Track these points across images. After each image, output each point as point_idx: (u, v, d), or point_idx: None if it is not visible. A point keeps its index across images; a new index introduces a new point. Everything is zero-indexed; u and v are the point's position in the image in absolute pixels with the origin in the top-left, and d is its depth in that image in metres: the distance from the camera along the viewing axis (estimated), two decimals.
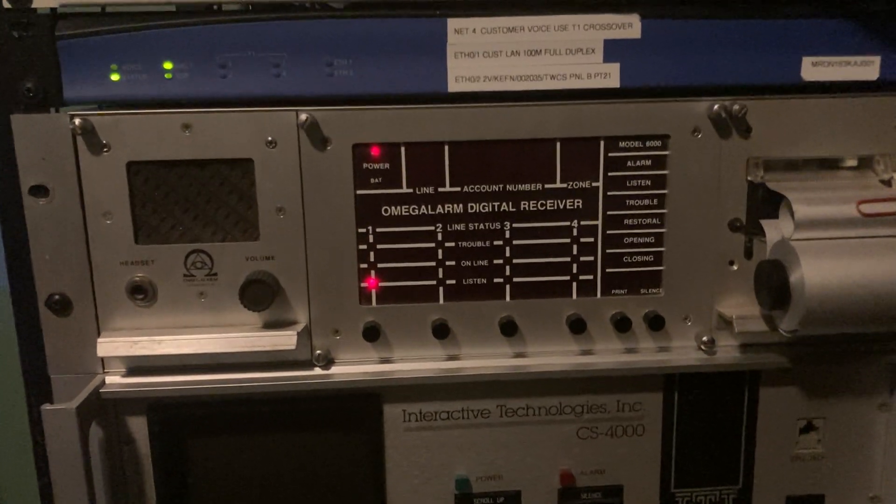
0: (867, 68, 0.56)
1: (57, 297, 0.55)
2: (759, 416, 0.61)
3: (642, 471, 0.61)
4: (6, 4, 0.51)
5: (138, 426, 0.58)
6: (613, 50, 0.54)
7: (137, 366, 0.57)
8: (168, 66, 0.53)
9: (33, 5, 0.51)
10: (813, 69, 0.56)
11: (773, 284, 0.53)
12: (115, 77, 0.53)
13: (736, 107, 0.55)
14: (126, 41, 0.53)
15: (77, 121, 0.52)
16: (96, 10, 0.53)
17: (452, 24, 0.53)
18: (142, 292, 0.55)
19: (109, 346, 0.55)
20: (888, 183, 0.56)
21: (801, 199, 0.54)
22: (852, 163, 0.57)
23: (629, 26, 0.54)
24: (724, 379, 0.60)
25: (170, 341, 0.55)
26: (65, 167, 0.53)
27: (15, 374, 0.61)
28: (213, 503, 0.60)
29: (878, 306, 0.52)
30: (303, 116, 0.53)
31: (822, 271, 0.52)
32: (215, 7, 0.55)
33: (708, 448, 0.61)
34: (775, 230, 0.56)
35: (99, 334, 0.56)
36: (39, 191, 0.54)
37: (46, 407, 0.52)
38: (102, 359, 0.56)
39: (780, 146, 0.56)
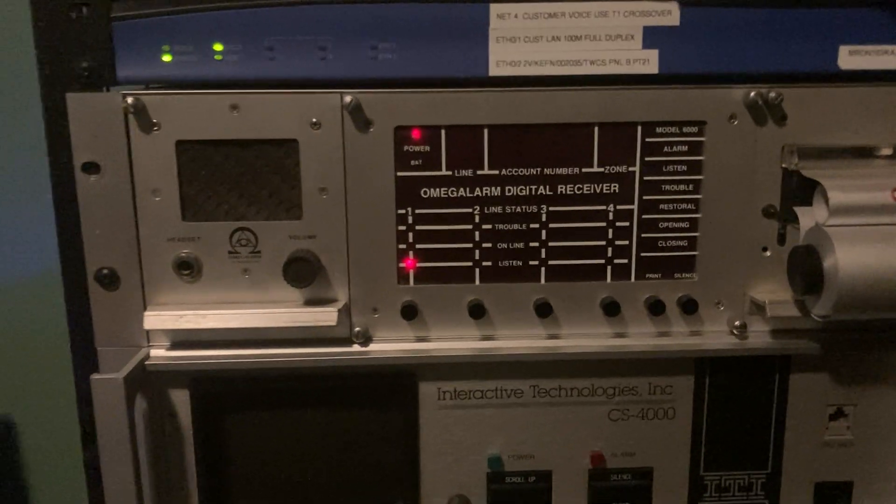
0: None
1: (105, 271, 0.57)
2: (789, 401, 0.62)
3: (672, 453, 0.62)
4: None
5: (180, 399, 0.60)
6: (652, 37, 0.55)
7: (181, 340, 0.58)
8: (218, 48, 0.54)
9: None
10: (850, 58, 0.56)
11: (807, 269, 0.54)
12: (166, 58, 0.55)
13: (772, 94, 0.56)
14: (178, 23, 0.54)
15: (129, 100, 0.54)
16: None
17: (495, 9, 0.55)
18: (188, 268, 0.57)
19: (156, 319, 0.57)
20: None
21: (836, 186, 0.54)
22: (887, 151, 0.58)
23: (668, 14, 0.55)
24: (754, 364, 0.61)
25: (214, 316, 0.57)
26: (116, 145, 0.55)
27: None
28: (251, 476, 0.61)
29: None
30: (347, 99, 0.55)
31: (855, 257, 0.53)
32: None
33: (738, 432, 0.62)
34: (809, 217, 0.57)
35: (145, 308, 0.58)
36: (91, 167, 0.55)
37: (95, 376, 0.54)
38: (147, 332, 0.58)
39: (815, 134, 0.57)
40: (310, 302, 0.58)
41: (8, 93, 1.00)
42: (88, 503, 0.62)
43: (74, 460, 1.12)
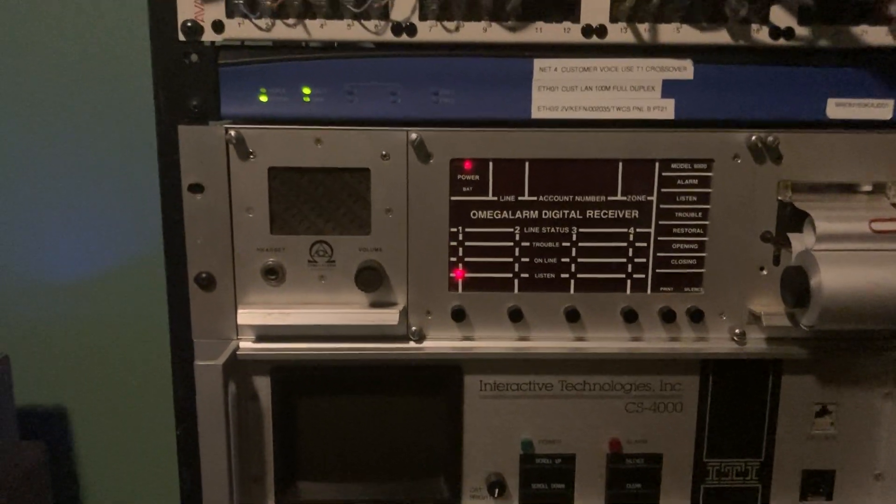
0: (882, 109, 0.66)
1: (204, 275, 0.67)
2: (781, 399, 0.71)
3: (679, 442, 0.72)
4: (181, 38, 0.64)
5: (262, 384, 0.70)
6: (669, 88, 0.66)
7: (265, 334, 0.68)
8: (306, 91, 0.65)
9: (202, 38, 0.64)
10: (837, 108, 0.66)
11: (797, 286, 0.64)
12: (263, 98, 0.65)
13: (770, 138, 0.66)
14: (274, 70, 0.65)
15: (231, 132, 0.65)
16: (252, 44, 0.65)
17: (538, 63, 0.65)
18: (274, 273, 0.68)
19: (248, 315, 0.67)
20: None
21: (823, 217, 0.64)
22: (868, 188, 0.68)
23: (683, 69, 0.65)
24: (751, 366, 0.71)
25: (296, 314, 0.67)
26: (218, 169, 0.66)
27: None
28: (319, 454, 0.72)
29: (885, 308, 0.63)
30: (413, 135, 0.65)
31: (837, 276, 0.63)
32: (346, 45, 0.67)
33: (736, 425, 0.72)
34: (799, 242, 0.67)
35: (236, 307, 0.68)
36: (196, 188, 0.66)
37: (199, 362, 0.65)
38: (238, 327, 0.68)
39: (806, 172, 0.67)
40: (374, 304, 0.68)
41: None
42: (179, 478, 0.72)
43: (126, 449, 1.22)
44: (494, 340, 0.69)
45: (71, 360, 1.19)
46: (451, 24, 0.63)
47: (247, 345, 0.68)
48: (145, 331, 1.16)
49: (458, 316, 0.69)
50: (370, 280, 0.66)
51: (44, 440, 1.07)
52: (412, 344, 0.69)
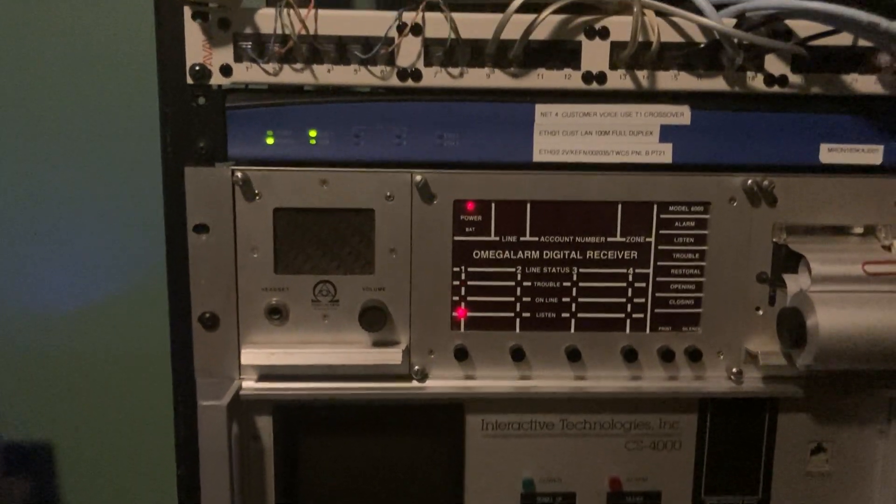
0: (873, 154, 0.68)
1: (208, 314, 0.68)
2: (777, 437, 0.72)
3: (678, 479, 0.73)
4: (189, 81, 0.65)
5: (264, 424, 0.70)
6: (667, 133, 0.67)
7: (268, 373, 0.69)
8: (313, 133, 0.66)
9: (210, 82, 0.65)
10: (829, 154, 0.68)
11: (793, 327, 0.66)
12: (269, 141, 0.66)
13: (766, 182, 0.67)
14: (280, 113, 0.66)
15: (238, 174, 0.66)
16: (259, 87, 0.66)
17: (539, 108, 0.67)
18: (277, 313, 0.68)
19: (252, 355, 0.67)
20: (888, 248, 0.69)
21: (818, 259, 0.66)
22: (859, 230, 0.70)
23: (681, 115, 0.67)
24: (748, 405, 0.72)
25: (299, 354, 0.67)
26: (223, 210, 0.66)
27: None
28: (321, 494, 0.72)
29: (879, 348, 0.64)
30: (417, 177, 0.66)
31: (832, 318, 0.64)
32: (352, 89, 0.68)
33: (733, 463, 0.72)
34: (795, 283, 0.68)
35: (239, 347, 0.68)
36: (202, 228, 0.66)
37: (203, 403, 0.65)
38: (241, 366, 0.69)
39: (800, 215, 0.69)
40: (377, 343, 0.69)
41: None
42: None
43: (111, 483, 1.21)
44: (496, 380, 0.70)
45: (58, 394, 1.18)
46: (455, 71, 0.65)
47: (249, 384, 0.69)
48: (136, 366, 1.16)
49: (461, 355, 0.69)
50: (374, 319, 0.67)
51: (29, 476, 1.05)
52: (415, 383, 0.69)
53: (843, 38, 0.65)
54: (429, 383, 0.70)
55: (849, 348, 0.64)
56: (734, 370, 0.70)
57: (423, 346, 0.69)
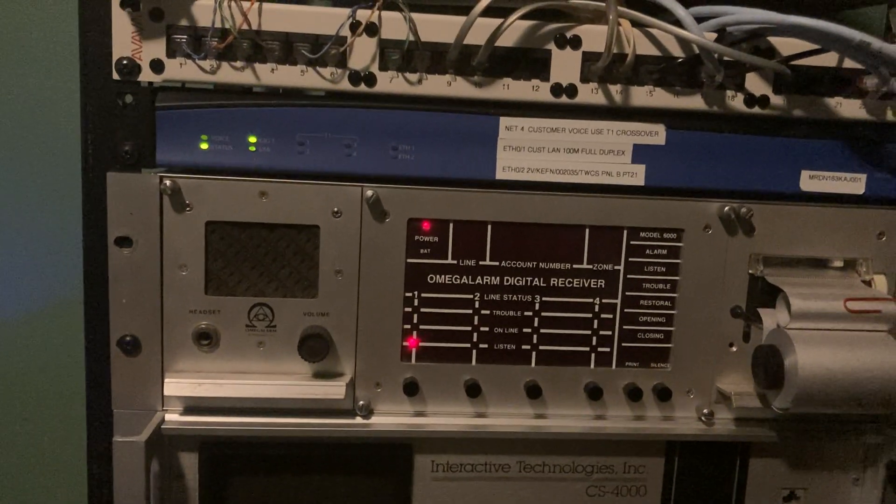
0: (855, 184, 0.64)
1: (128, 338, 0.60)
2: (748, 483, 0.68)
3: None
4: (115, 77, 0.58)
5: (189, 462, 0.63)
6: (640, 153, 0.63)
7: (194, 405, 0.62)
8: (252, 139, 0.60)
9: (138, 79, 0.58)
10: (810, 181, 0.64)
11: (770, 367, 0.61)
12: (203, 146, 0.60)
13: (743, 209, 0.63)
14: (217, 115, 0.59)
15: (167, 182, 0.59)
16: (194, 87, 0.60)
17: (504, 121, 0.61)
18: (207, 339, 0.61)
19: (176, 386, 0.60)
20: (869, 283, 0.65)
21: (797, 294, 0.61)
22: (839, 264, 0.65)
23: (655, 134, 0.62)
24: (719, 448, 0.67)
25: (230, 385, 0.60)
26: (149, 222, 0.59)
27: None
28: None
29: (860, 392, 0.60)
30: (368, 192, 0.60)
31: (813, 358, 0.59)
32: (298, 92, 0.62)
33: None
34: (771, 318, 0.64)
35: (163, 375, 0.61)
36: (124, 241, 0.59)
37: (118, 439, 0.57)
38: (164, 397, 0.61)
39: (778, 245, 0.64)
40: (318, 375, 0.62)
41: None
42: None
43: None
44: (449, 417, 0.64)
45: None
46: (413, 77, 0.59)
47: (173, 417, 0.61)
48: (50, 392, 1.06)
49: (411, 389, 0.63)
50: (315, 349, 0.60)
51: None
52: (359, 420, 0.63)
53: (829, 59, 0.61)
54: (374, 420, 0.63)
55: (829, 391, 0.60)
56: (705, 411, 0.65)
57: (369, 379, 0.63)
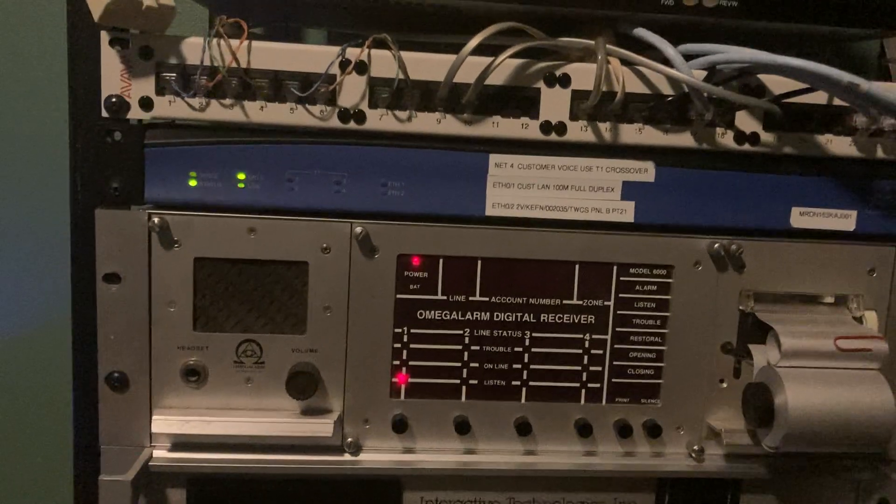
0: (845, 220, 0.64)
1: (116, 374, 0.60)
2: None
3: None
4: (104, 114, 0.58)
5: (177, 499, 0.62)
6: (630, 190, 0.62)
7: (182, 442, 0.61)
8: (241, 176, 0.60)
9: (127, 116, 0.58)
10: (800, 217, 0.64)
11: (760, 405, 0.61)
12: (192, 183, 0.59)
13: (733, 246, 0.63)
14: (206, 153, 0.59)
15: (155, 219, 0.59)
16: (183, 124, 0.60)
17: (494, 158, 0.61)
18: (195, 375, 0.61)
19: (164, 423, 0.60)
20: (860, 320, 0.65)
21: (787, 332, 0.61)
22: (830, 300, 0.65)
23: (644, 171, 0.62)
24: (710, 485, 0.66)
25: (218, 422, 0.60)
26: (137, 258, 0.59)
27: None
28: None
29: (851, 431, 0.59)
30: (357, 229, 0.60)
31: (803, 397, 0.59)
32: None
33: None
34: (762, 355, 0.63)
35: (151, 411, 0.61)
36: (112, 278, 0.59)
37: (104, 478, 0.57)
38: (151, 433, 0.61)
39: (769, 282, 0.64)
40: (306, 411, 0.62)
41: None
42: None
43: None
44: (438, 454, 0.64)
45: None
46: (402, 114, 0.59)
47: (161, 454, 0.61)
48: (37, 428, 1.05)
49: (400, 426, 0.63)
50: (303, 386, 0.60)
51: None
52: (347, 456, 0.63)
53: (819, 97, 0.61)
54: (363, 457, 0.63)
55: (820, 430, 0.59)
56: (695, 447, 0.65)
57: (357, 416, 0.63)
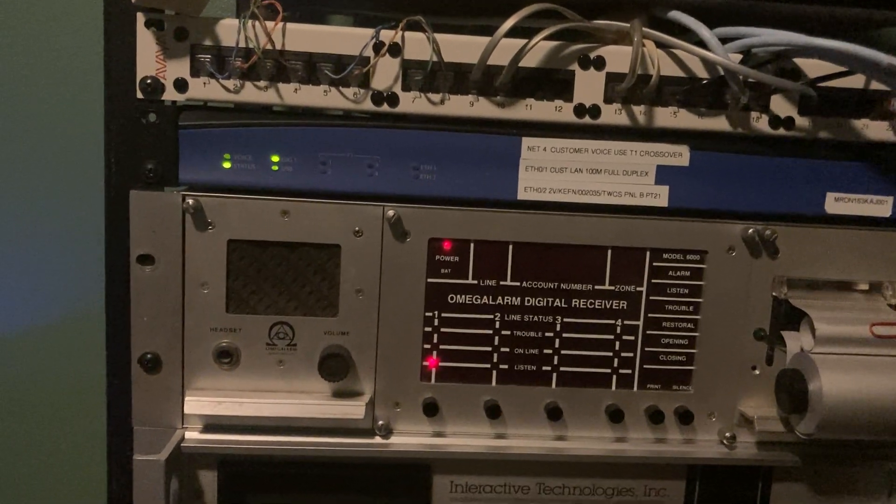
0: (881, 206, 0.64)
1: (149, 355, 0.61)
2: None
3: None
4: (139, 95, 0.58)
5: (208, 480, 0.63)
6: (664, 174, 0.62)
7: (214, 424, 0.62)
8: (275, 159, 0.60)
9: (162, 98, 0.58)
10: (835, 203, 0.63)
11: (794, 392, 0.60)
12: (226, 165, 0.60)
13: (768, 231, 0.62)
14: (240, 135, 0.59)
15: (189, 201, 0.59)
16: (218, 106, 0.60)
17: (526, 142, 0.61)
18: (227, 356, 0.61)
19: (196, 404, 0.60)
20: (895, 307, 0.64)
21: (822, 318, 0.61)
22: (864, 287, 0.65)
23: (679, 155, 0.62)
24: (741, 472, 0.66)
25: (251, 404, 0.60)
26: (171, 240, 0.59)
27: None
28: None
29: (886, 418, 0.59)
30: (390, 212, 0.60)
31: (838, 383, 0.59)
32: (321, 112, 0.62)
33: None
34: (795, 341, 0.63)
35: (183, 393, 0.61)
36: (146, 259, 0.60)
37: (138, 457, 0.57)
38: (184, 415, 0.61)
39: (802, 268, 0.64)
40: (337, 394, 0.62)
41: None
42: None
43: None
44: (468, 438, 0.64)
45: None
46: (435, 97, 0.59)
47: (193, 435, 0.61)
48: (73, 406, 1.06)
49: (430, 410, 0.63)
50: (335, 368, 0.60)
51: None
52: (377, 440, 0.63)
53: (855, 81, 0.61)
54: (393, 440, 0.63)
55: (854, 417, 0.59)
56: (727, 434, 0.64)
57: (388, 399, 0.63)
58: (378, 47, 0.58)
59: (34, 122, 0.99)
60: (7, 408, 1.07)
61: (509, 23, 0.56)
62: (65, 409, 1.07)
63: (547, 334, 0.63)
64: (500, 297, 0.63)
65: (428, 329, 0.63)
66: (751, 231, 0.62)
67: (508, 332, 0.63)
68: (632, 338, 0.64)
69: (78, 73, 0.96)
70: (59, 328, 1.04)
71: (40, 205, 1.02)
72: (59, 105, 0.98)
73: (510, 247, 0.62)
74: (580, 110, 0.60)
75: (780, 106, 0.61)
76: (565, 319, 0.63)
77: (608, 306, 0.63)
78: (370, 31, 0.57)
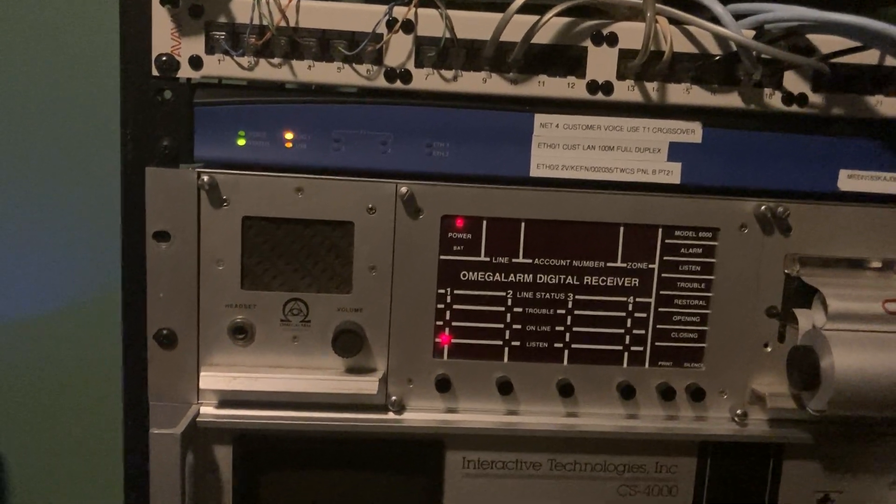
0: (895, 183, 0.64)
1: (165, 331, 0.61)
2: (782, 485, 0.67)
3: None
4: (154, 73, 0.58)
5: (223, 455, 0.63)
6: (677, 151, 0.62)
7: (229, 399, 0.62)
8: (289, 136, 0.60)
9: (177, 75, 0.59)
10: (848, 181, 0.63)
11: (806, 368, 0.60)
12: (241, 142, 0.60)
13: (780, 209, 0.62)
14: (254, 112, 0.60)
15: (204, 177, 0.59)
16: (231, 83, 0.60)
17: (539, 118, 0.61)
18: (242, 332, 0.62)
19: (211, 379, 0.61)
20: None
21: (834, 295, 0.61)
22: (877, 265, 0.65)
23: (692, 132, 0.62)
24: (752, 449, 0.66)
25: (265, 379, 0.61)
26: (187, 217, 0.60)
27: None
28: None
29: None
30: (403, 189, 0.60)
31: (850, 360, 0.59)
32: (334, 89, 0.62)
33: None
34: (807, 319, 0.63)
35: (199, 368, 0.62)
36: (162, 236, 0.60)
37: (155, 431, 0.58)
38: (199, 390, 0.62)
39: (815, 245, 0.64)
40: (351, 370, 0.63)
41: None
42: None
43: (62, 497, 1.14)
44: (480, 414, 0.64)
45: (9, 405, 1.11)
46: (448, 73, 0.59)
47: (208, 410, 0.62)
48: (90, 382, 1.08)
49: (443, 386, 0.63)
50: (349, 344, 0.61)
51: None
52: (391, 415, 0.63)
53: (869, 57, 0.61)
54: (406, 416, 0.63)
55: (866, 394, 0.59)
56: (738, 411, 0.65)
57: (401, 375, 0.63)
58: (391, 24, 0.58)
59: (50, 105, 1.00)
60: (27, 391, 1.09)
61: None
62: (84, 390, 1.08)
63: (559, 311, 0.64)
64: (512, 274, 0.63)
65: (440, 306, 0.63)
66: (763, 208, 0.62)
67: (520, 309, 0.64)
68: (643, 315, 0.64)
69: (94, 52, 0.97)
70: (79, 309, 1.06)
71: (56, 188, 1.03)
72: (74, 86, 0.99)
73: (522, 224, 0.62)
74: (593, 87, 0.60)
75: (793, 82, 0.61)
76: (577, 296, 0.64)
77: (620, 283, 0.64)
78: (383, 8, 0.58)
